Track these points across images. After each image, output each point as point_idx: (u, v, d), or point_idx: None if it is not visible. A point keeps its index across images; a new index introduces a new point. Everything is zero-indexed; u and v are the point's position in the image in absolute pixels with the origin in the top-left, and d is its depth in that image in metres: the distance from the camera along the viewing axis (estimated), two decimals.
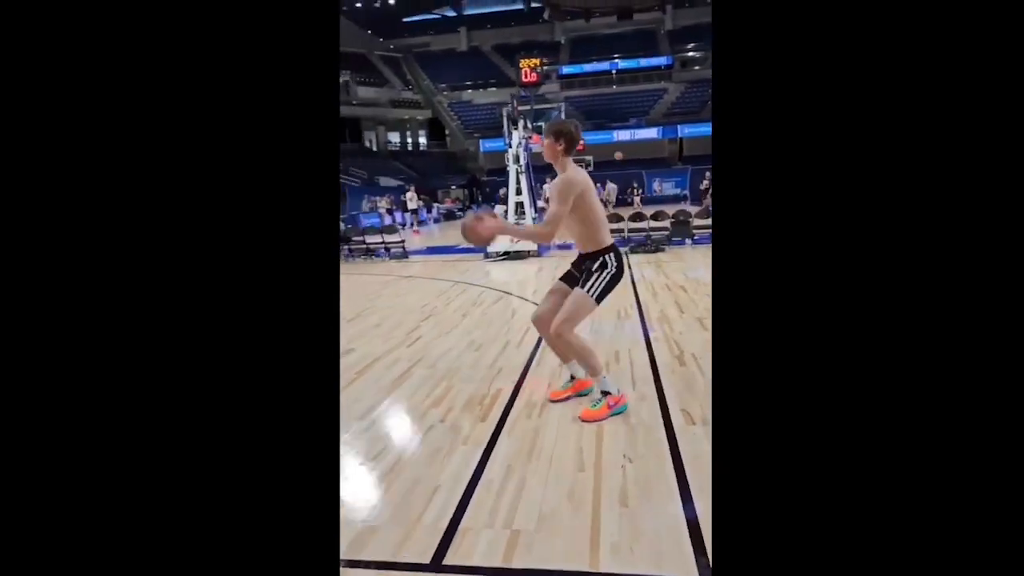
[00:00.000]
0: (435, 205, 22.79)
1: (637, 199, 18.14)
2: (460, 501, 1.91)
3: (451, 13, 35.80)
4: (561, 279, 2.69)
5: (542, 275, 7.03)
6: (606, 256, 2.53)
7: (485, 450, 2.28)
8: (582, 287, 2.51)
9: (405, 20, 35.45)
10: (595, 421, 2.46)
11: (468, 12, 35.56)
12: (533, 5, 31.73)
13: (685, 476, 1.99)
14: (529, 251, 8.67)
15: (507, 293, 5.86)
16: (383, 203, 18.54)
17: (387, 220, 16.77)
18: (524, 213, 9.29)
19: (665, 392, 2.79)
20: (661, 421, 2.45)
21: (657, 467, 2.06)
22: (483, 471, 2.11)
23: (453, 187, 30.37)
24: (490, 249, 8.78)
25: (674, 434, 2.32)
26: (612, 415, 2.49)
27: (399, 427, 2.61)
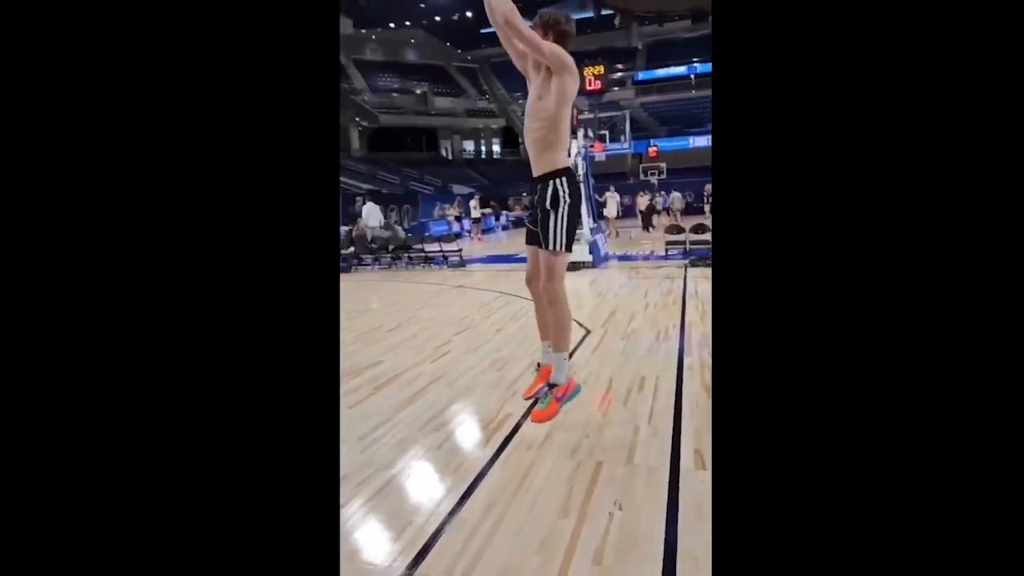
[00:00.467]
0: (504, 212, 22.91)
1: (707, 208, 17.41)
2: (425, 543, 1.80)
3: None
4: (528, 240, 2.37)
5: (595, 287, 6.81)
6: (556, 181, 2.14)
7: (472, 483, 2.16)
8: (543, 245, 2.20)
9: (483, 31, 36.11)
10: (548, 420, 2.29)
11: None
12: (604, 12, 31.36)
13: (676, 532, 1.77)
14: (584, 262, 8.45)
15: None
16: (451, 210, 18.84)
17: (455, 228, 17.03)
18: (582, 224, 9.09)
19: (683, 429, 2.55)
20: (668, 463, 2.22)
21: (648, 519, 1.85)
22: (460, 508, 1.99)
23: (524, 195, 30.47)
24: None
25: (678, 480, 2.09)
26: (566, 404, 2.29)
27: (394, 451, 2.53)
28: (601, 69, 10.95)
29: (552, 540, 1.77)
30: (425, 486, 2.17)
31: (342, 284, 8.54)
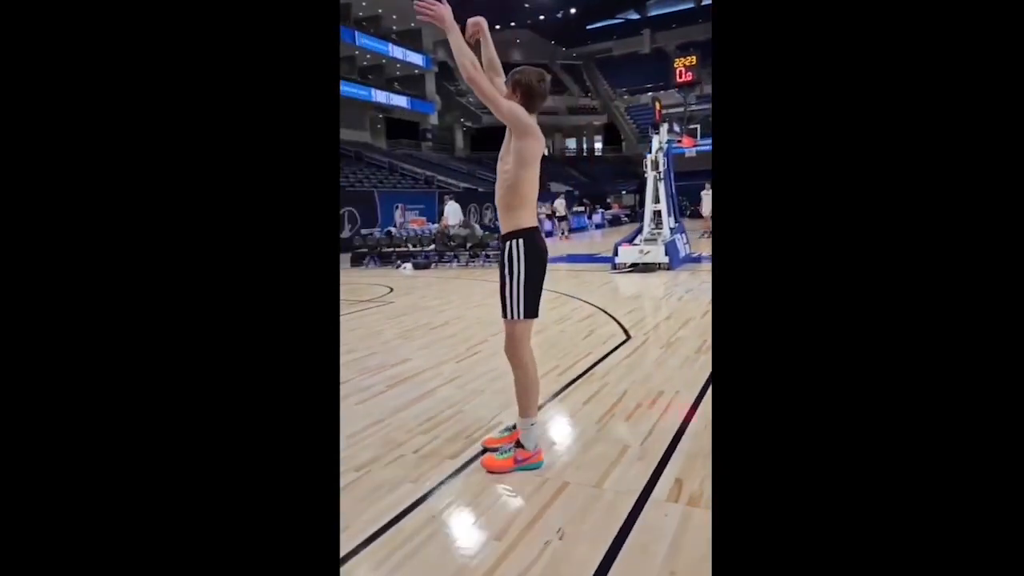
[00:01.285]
0: (600, 211, 22.49)
1: None
2: (351, 550, 1.75)
3: (634, 16, 35.15)
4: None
5: (658, 291, 6.44)
6: (512, 243, 2.03)
7: (425, 494, 2.08)
8: (502, 312, 2.11)
9: (588, 27, 35.67)
10: (497, 472, 2.12)
11: (652, 13, 34.56)
12: (704, 3, 29.71)
13: (608, 571, 1.58)
14: (659, 263, 8.04)
15: (601, 310, 5.46)
16: (544, 209, 18.81)
17: (547, 226, 16.98)
18: (661, 223, 8.63)
19: (675, 453, 2.30)
20: (639, 490, 2.01)
21: (585, 554, 1.67)
22: (401, 519, 1.92)
23: (623, 192, 29.73)
24: (617, 260, 8.34)
25: (640, 511, 1.88)
26: (518, 470, 2.12)
27: (371, 452, 2.51)
28: (693, 60, 10.32)
29: (472, 566, 1.65)
30: (379, 492, 2.13)
31: (421, 279, 8.81)
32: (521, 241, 2.03)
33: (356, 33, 26.12)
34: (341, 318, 5.91)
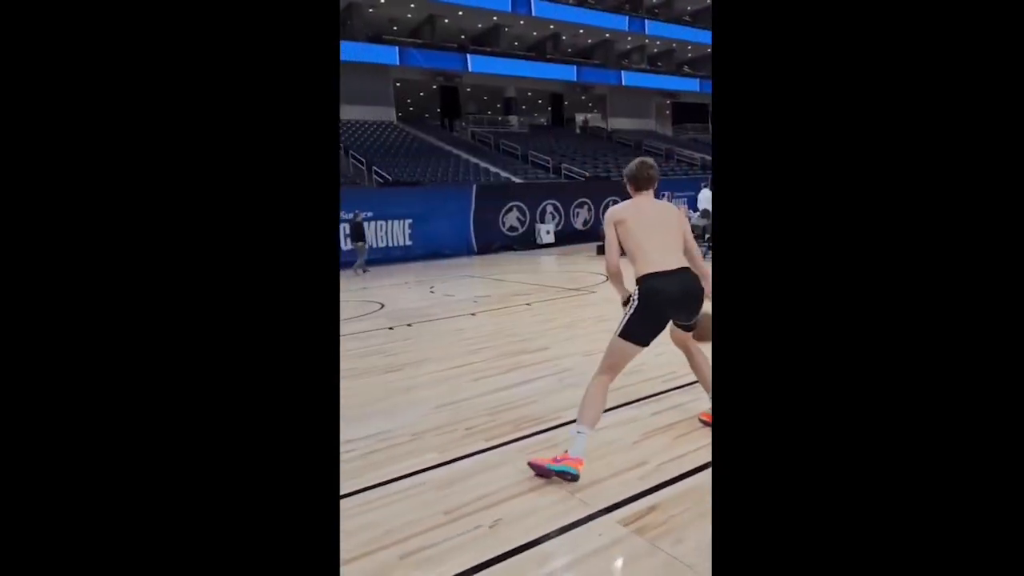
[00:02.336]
0: None
1: None
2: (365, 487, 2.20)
3: None
4: None
5: None
6: (635, 290, 2.34)
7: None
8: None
9: None
10: (538, 467, 2.18)
11: None
12: None
13: None
14: None
15: None
16: None
17: None
18: None
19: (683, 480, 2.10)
20: (593, 508, 1.95)
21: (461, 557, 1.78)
22: (404, 479, 2.29)
23: None
24: None
25: (575, 526, 1.85)
26: (553, 469, 2.13)
27: (435, 423, 2.91)
28: None
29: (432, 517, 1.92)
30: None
31: None
32: (637, 288, 2.37)
33: (646, 22, 26.19)
34: (541, 304, 6.44)
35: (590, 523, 1.86)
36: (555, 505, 1.99)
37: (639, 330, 2.30)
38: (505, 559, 1.69)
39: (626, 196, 2.54)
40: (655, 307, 2.29)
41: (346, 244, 12.59)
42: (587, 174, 19.25)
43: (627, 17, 25.98)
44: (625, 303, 2.39)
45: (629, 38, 26.82)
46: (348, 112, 21.24)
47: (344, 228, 12.61)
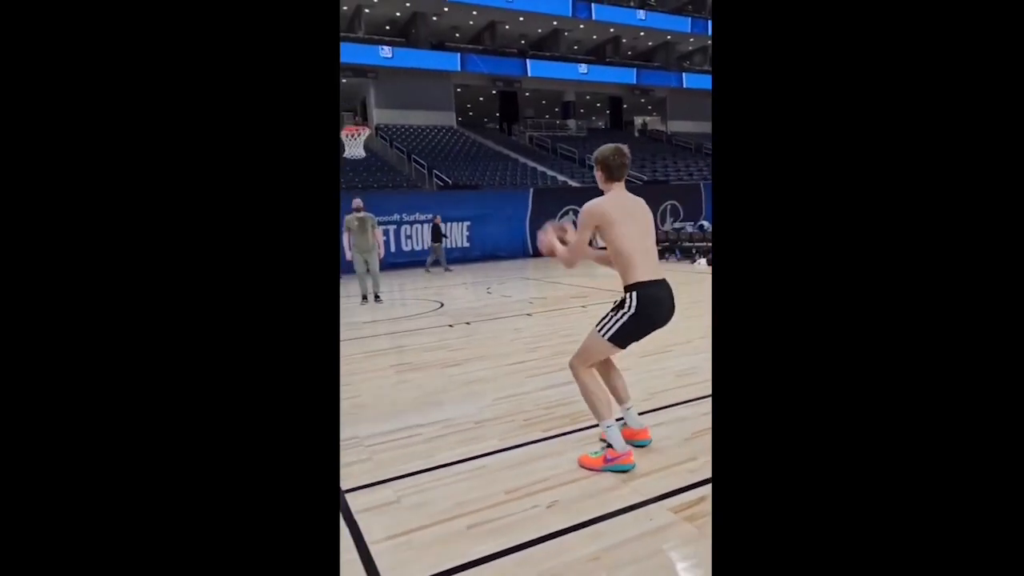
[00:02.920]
0: None
1: None
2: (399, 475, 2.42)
3: None
4: None
5: None
6: (628, 295, 2.28)
7: (486, 452, 2.58)
8: (597, 323, 2.35)
9: None
10: (589, 469, 2.31)
11: None
12: None
13: None
14: None
15: None
16: None
17: None
18: None
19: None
20: (644, 496, 2.07)
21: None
22: (456, 464, 2.48)
23: None
24: None
25: (627, 511, 1.98)
26: (607, 470, 2.26)
27: (495, 412, 3.10)
28: None
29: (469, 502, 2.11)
30: (463, 438, 2.72)
31: (709, 276, 8.70)
32: (634, 293, 2.28)
33: (710, 23, 25.64)
34: (596, 307, 6.55)
35: (642, 509, 1.99)
36: (608, 492, 2.13)
37: (629, 336, 2.29)
38: (561, 535, 1.85)
39: (598, 193, 2.41)
40: (651, 316, 2.27)
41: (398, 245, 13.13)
42: (645, 178, 19.11)
43: (689, 19, 25.58)
44: (619, 308, 2.31)
45: (691, 39, 26.39)
46: (410, 117, 21.92)
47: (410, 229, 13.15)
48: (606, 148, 2.40)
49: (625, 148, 2.39)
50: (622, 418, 2.56)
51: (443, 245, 12.66)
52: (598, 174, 2.41)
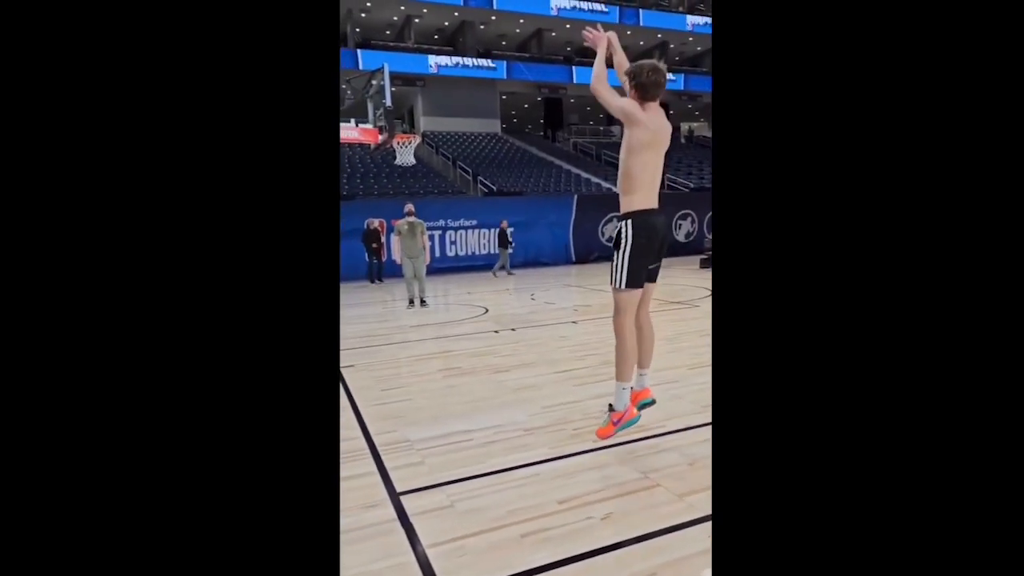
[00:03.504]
0: None
1: None
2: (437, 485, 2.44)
3: None
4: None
5: None
6: (623, 224, 2.26)
7: (539, 460, 2.58)
8: (610, 280, 2.41)
9: None
10: (605, 438, 2.39)
11: None
12: None
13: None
14: None
15: None
16: None
17: None
18: None
19: None
20: (700, 513, 2.03)
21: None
22: (507, 471, 2.49)
23: None
24: None
25: (682, 527, 1.95)
26: (621, 429, 2.32)
27: (543, 421, 3.09)
28: None
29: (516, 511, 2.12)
30: (513, 448, 2.72)
31: None
32: (630, 222, 2.29)
33: None
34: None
35: (699, 526, 1.96)
36: (663, 506, 2.10)
37: (639, 272, 2.31)
38: (616, 549, 1.83)
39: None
40: (648, 245, 2.28)
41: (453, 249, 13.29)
42: (691, 185, 18.78)
43: None
44: (616, 246, 2.31)
45: None
46: (456, 124, 22.22)
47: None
48: (643, 63, 2.30)
49: (663, 65, 2.30)
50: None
51: (508, 250, 13.05)
52: (631, 92, 2.31)
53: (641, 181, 2.28)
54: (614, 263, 2.38)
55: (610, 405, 2.58)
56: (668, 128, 2.33)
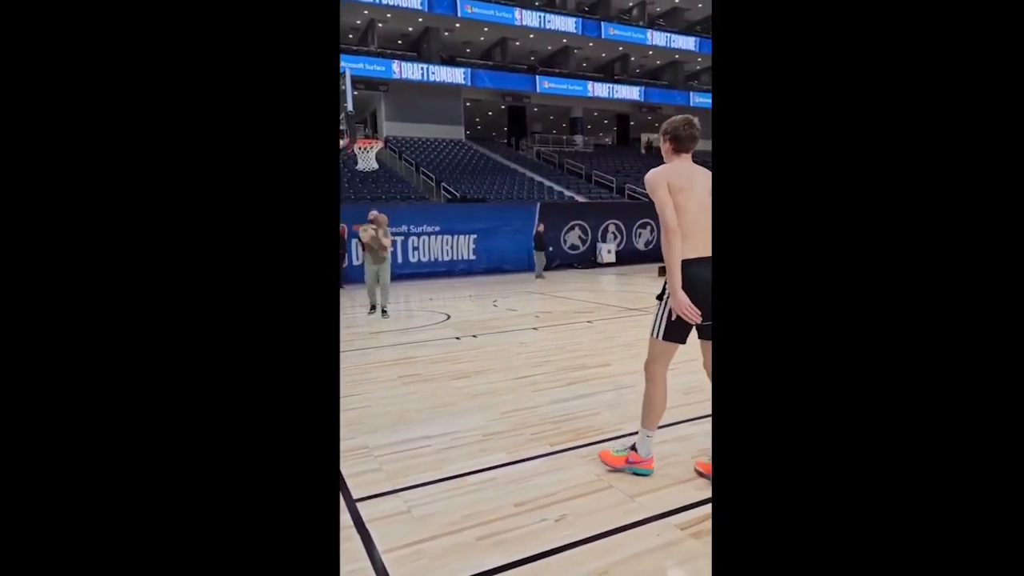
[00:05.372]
0: None
1: None
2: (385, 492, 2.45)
3: None
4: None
5: None
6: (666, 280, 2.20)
7: (499, 464, 2.61)
8: (651, 326, 2.30)
9: None
10: (608, 465, 2.38)
11: None
12: None
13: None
14: None
15: None
16: None
17: None
18: None
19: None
20: (652, 512, 2.10)
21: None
22: (469, 475, 2.51)
23: None
24: None
25: (635, 526, 2.01)
26: (626, 471, 2.32)
27: (505, 426, 3.13)
28: None
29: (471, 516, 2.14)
30: (477, 448, 2.75)
31: None
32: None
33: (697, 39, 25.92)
34: (602, 323, 6.59)
35: (649, 524, 2.02)
36: (616, 507, 2.16)
37: (680, 326, 2.19)
38: (570, 548, 1.88)
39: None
40: (697, 297, 2.13)
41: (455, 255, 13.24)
42: None
43: (698, 38, 25.84)
44: (661, 296, 2.24)
45: (699, 59, 26.64)
46: (420, 130, 22.15)
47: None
48: (677, 118, 2.33)
49: (696, 120, 2.30)
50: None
51: (545, 254, 13.43)
52: (665, 147, 2.33)
53: (691, 235, 2.15)
54: (657, 314, 2.30)
55: (633, 446, 2.44)
56: (701, 171, 2.25)
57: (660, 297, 2.27)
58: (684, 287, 2.13)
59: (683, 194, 2.16)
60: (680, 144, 2.28)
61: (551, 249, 13.80)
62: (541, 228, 13.51)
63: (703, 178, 2.22)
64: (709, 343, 2.29)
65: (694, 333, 2.30)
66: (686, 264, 2.14)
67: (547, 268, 14.52)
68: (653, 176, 2.21)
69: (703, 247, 2.15)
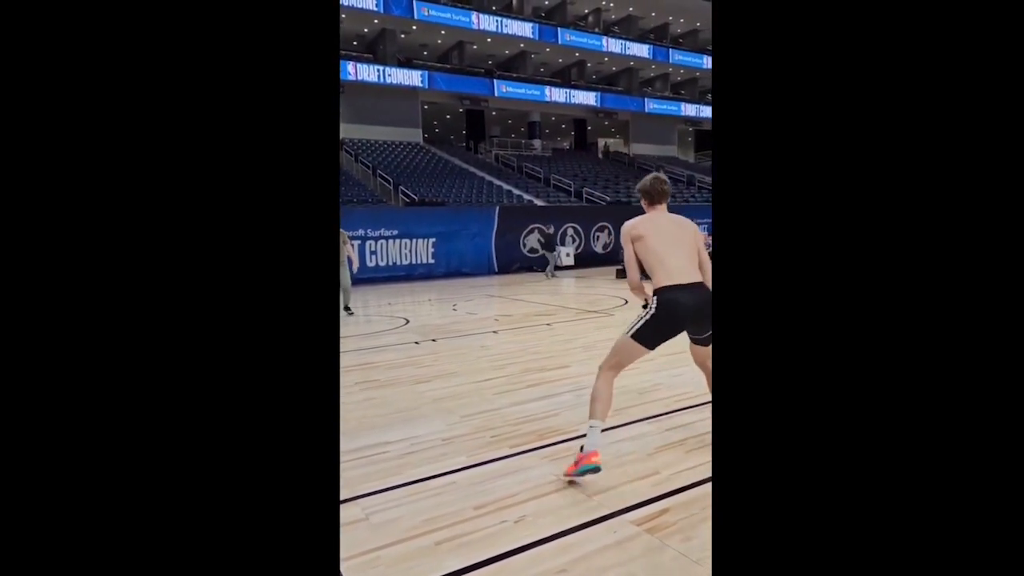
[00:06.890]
0: None
1: None
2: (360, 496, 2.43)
3: None
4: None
5: None
6: (653, 298, 2.51)
7: (462, 467, 2.61)
8: (627, 325, 2.57)
9: None
10: (566, 476, 2.39)
11: None
12: None
13: None
14: None
15: None
16: None
17: None
18: None
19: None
20: (609, 509, 2.14)
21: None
22: (430, 480, 2.51)
23: None
24: None
25: (592, 524, 2.05)
26: (578, 473, 2.32)
27: (465, 430, 3.13)
28: None
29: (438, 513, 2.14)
30: (438, 455, 2.74)
31: None
32: (656, 298, 2.52)
33: (671, 51, 26.62)
34: (561, 325, 6.65)
35: (606, 522, 2.06)
36: (574, 506, 2.19)
37: (651, 335, 2.49)
38: (529, 549, 1.90)
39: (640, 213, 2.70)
40: (671, 318, 2.45)
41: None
42: (608, 198, 19.51)
43: (651, 46, 26.45)
44: (644, 306, 2.54)
45: (653, 66, 27.26)
46: (377, 132, 21.88)
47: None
48: (647, 178, 2.72)
49: (663, 175, 2.71)
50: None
51: (555, 253, 13.82)
52: (643, 202, 2.72)
53: (654, 260, 2.53)
54: (636, 317, 2.55)
55: (582, 447, 2.46)
56: (669, 217, 2.60)
57: (646, 307, 2.54)
58: (660, 311, 2.45)
59: (641, 241, 2.53)
60: (652, 198, 2.66)
61: (561, 246, 14.17)
62: (551, 229, 13.89)
63: (667, 223, 2.60)
64: (706, 349, 2.64)
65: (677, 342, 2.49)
66: (660, 292, 2.48)
67: (507, 272, 14.58)
68: (621, 232, 2.64)
69: (676, 276, 2.48)
